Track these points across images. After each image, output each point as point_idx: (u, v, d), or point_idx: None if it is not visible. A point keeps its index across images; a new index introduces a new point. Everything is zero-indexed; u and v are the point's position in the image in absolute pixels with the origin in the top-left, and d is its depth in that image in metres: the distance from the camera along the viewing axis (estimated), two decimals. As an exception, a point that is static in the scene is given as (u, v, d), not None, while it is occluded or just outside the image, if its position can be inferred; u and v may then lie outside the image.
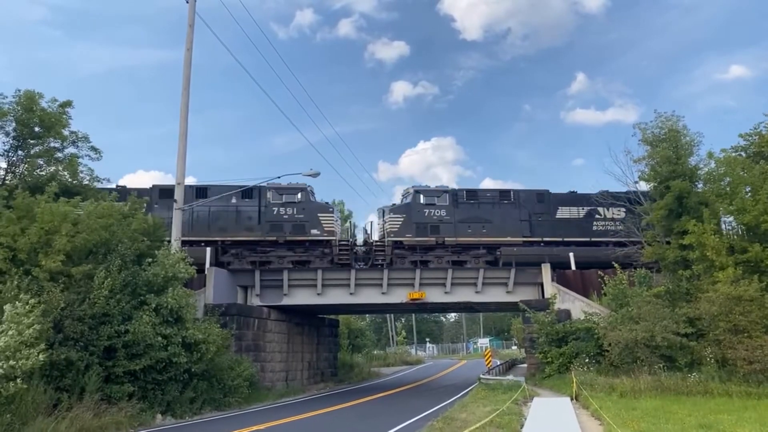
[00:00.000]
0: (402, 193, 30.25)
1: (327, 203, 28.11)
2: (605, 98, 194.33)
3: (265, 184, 26.77)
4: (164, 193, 25.86)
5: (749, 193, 20.09)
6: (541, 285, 26.47)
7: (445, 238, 27.62)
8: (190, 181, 27.91)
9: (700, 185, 22.42)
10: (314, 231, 26.66)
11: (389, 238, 27.49)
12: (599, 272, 25.18)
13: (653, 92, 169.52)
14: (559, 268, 26.45)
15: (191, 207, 25.62)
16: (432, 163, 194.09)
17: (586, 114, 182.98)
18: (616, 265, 23.65)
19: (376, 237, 29.19)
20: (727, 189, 20.80)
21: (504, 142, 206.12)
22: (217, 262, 25.77)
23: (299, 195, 27.26)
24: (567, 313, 24.16)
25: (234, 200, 26.58)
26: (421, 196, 28.42)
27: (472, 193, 28.97)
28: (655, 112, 24.15)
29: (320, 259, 26.85)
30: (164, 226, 21.11)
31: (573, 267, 27.15)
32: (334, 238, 27.01)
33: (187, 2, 22.95)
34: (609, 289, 22.98)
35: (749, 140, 22.86)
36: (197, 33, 23.23)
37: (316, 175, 23.01)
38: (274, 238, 26.59)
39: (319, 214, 26.92)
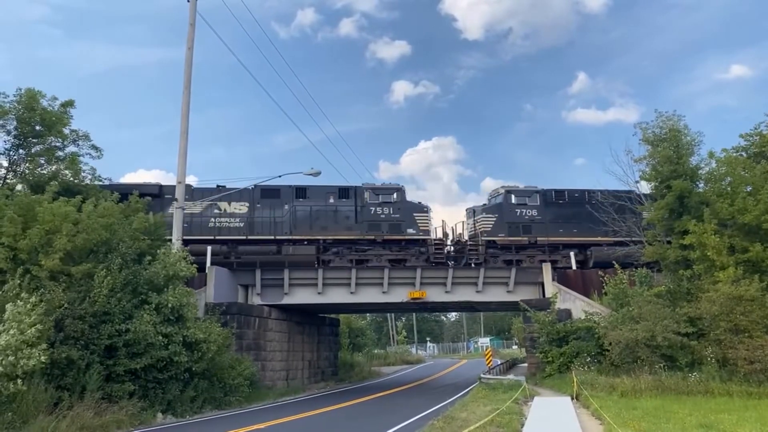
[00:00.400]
0: (490, 194, 30.48)
1: (421, 203, 28.68)
2: (606, 98, 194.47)
3: (360, 184, 27.96)
4: (266, 192, 26.86)
5: (750, 194, 20.04)
6: (542, 284, 26.44)
7: (537, 238, 27.78)
8: (191, 180, 28.10)
9: (701, 185, 22.36)
10: (410, 230, 27.29)
11: (483, 238, 27.73)
12: (599, 272, 25.15)
13: (654, 92, 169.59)
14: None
15: (293, 207, 26.83)
16: (433, 162, 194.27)
17: (587, 113, 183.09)
18: (616, 264, 23.62)
19: (466, 237, 29.37)
20: (728, 189, 20.76)
21: (505, 141, 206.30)
22: (319, 261, 26.61)
23: (395, 195, 27.88)
24: (568, 313, 24.14)
25: (331, 200, 27.40)
26: (513, 196, 28.74)
27: (561, 193, 29.04)
28: (655, 112, 24.02)
29: (416, 258, 27.32)
30: (165, 225, 21.11)
31: (574, 266, 27.14)
32: (429, 237, 27.52)
33: (188, 1, 22.95)
34: (609, 288, 22.95)
35: (750, 140, 22.80)
36: (199, 32, 23.26)
37: (317, 174, 23.07)
38: (373, 237, 27.12)
39: (414, 214, 27.54)
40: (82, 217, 16.91)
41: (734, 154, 22.11)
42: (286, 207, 27.02)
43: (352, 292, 26.69)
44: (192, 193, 26.12)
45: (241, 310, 23.79)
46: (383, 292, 26.80)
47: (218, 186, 26.91)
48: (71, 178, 21.27)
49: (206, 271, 23.78)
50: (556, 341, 22.83)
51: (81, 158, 22.02)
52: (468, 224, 29.79)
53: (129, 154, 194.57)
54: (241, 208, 26.61)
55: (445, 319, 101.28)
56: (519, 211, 28.30)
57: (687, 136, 22.64)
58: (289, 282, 26.08)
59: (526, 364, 32.11)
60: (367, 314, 63.79)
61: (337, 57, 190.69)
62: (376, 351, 60.78)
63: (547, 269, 26.14)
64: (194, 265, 18.86)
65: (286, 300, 26.40)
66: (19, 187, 20.07)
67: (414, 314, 78.24)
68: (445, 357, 71.21)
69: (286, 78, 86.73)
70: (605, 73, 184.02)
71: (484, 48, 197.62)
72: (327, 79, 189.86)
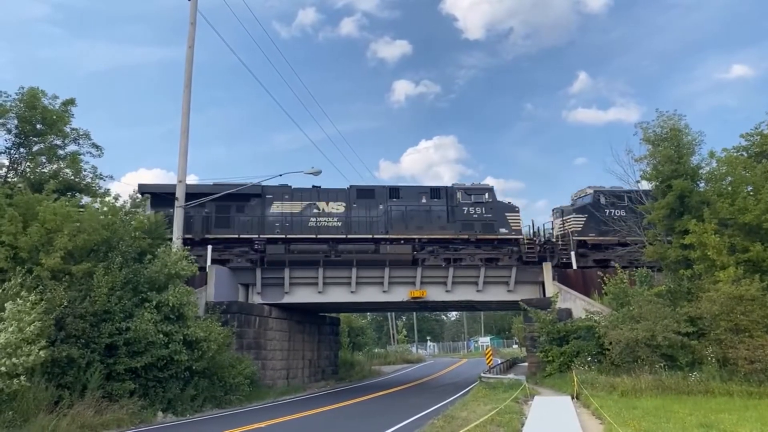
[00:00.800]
0: (576, 194, 30.62)
1: (511, 203, 29.04)
2: (607, 97, 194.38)
3: (451, 185, 28.55)
4: (361, 193, 27.67)
5: (751, 193, 20.02)
6: (542, 284, 26.46)
7: (627, 238, 27.86)
8: (191, 179, 28.15)
9: (702, 184, 22.35)
10: (502, 230, 27.65)
11: (574, 238, 28.00)
12: (599, 272, 25.17)
13: (655, 91, 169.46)
14: None
15: (388, 207, 27.46)
16: (434, 161, 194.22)
17: (587, 113, 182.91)
18: (616, 264, 23.58)
19: (555, 236, 29.51)
20: (729, 188, 20.75)
21: (506, 141, 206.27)
22: (413, 259, 26.96)
23: (486, 195, 28.29)
24: (568, 312, 24.14)
25: (424, 200, 27.95)
26: (601, 196, 29.09)
27: (648, 194, 29.07)
28: (656, 112, 24.02)
29: (509, 257, 27.59)
30: (165, 224, 21.08)
31: (574, 266, 27.16)
32: (521, 236, 27.86)
33: (189, 0, 22.95)
34: (610, 288, 22.95)
35: (750, 140, 22.75)
36: (200, 32, 23.28)
37: (318, 173, 23.12)
38: (467, 237, 27.44)
39: (506, 214, 27.92)
40: (83, 216, 16.90)
41: (735, 154, 22.07)
42: (381, 207, 27.55)
43: (352, 291, 26.72)
44: (292, 193, 27.03)
45: (241, 309, 23.81)
46: (384, 292, 26.85)
47: (313, 186, 27.58)
48: (72, 177, 21.26)
49: (207, 269, 23.81)
50: (557, 340, 22.83)
51: (82, 157, 21.98)
52: (556, 224, 30.12)
53: (130, 153, 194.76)
54: (338, 207, 27.28)
55: (445, 318, 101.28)
56: (608, 211, 28.53)
57: (688, 135, 22.64)
58: (290, 281, 26.11)
59: (526, 364, 32.13)
60: (368, 313, 63.81)
61: (338, 56, 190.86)
62: (376, 350, 60.82)
63: (547, 268, 26.17)
64: (195, 265, 18.87)
65: (287, 299, 26.42)
66: (20, 185, 20.05)
67: (414, 313, 78.27)
68: (446, 356, 71.21)
69: (287, 77, 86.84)
70: (606, 72, 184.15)
71: (484, 48, 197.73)
72: (328, 79, 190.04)
